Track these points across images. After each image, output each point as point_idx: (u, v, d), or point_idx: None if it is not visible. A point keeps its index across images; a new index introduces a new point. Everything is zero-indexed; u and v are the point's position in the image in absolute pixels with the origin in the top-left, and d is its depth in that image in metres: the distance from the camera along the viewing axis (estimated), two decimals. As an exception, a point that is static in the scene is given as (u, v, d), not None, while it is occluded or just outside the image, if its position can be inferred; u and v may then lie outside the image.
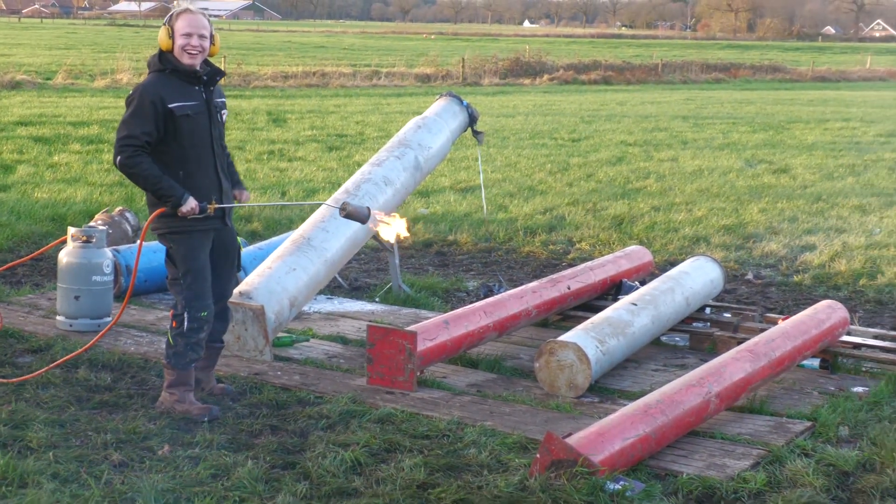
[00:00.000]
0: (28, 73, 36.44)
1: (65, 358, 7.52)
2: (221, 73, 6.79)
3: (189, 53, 6.51)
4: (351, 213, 6.65)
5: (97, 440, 6.23)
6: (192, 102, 6.56)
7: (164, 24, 6.53)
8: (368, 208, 6.79)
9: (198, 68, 6.58)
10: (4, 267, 9.43)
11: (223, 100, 6.88)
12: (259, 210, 13.67)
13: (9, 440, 6.15)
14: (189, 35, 6.49)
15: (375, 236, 9.83)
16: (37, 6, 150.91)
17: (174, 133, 6.52)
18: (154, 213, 6.59)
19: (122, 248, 9.85)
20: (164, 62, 6.57)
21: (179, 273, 6.68)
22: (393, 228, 6.83)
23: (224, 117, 6.87)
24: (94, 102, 29.27)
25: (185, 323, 6.65)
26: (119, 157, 6.51)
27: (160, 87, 6.50)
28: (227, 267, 6.98)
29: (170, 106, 6.46)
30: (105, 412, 6.77)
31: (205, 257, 6.71)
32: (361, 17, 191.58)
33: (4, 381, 7.16)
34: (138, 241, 6.96)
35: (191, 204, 6.48)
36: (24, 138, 20.74)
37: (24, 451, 6.00)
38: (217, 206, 6.67)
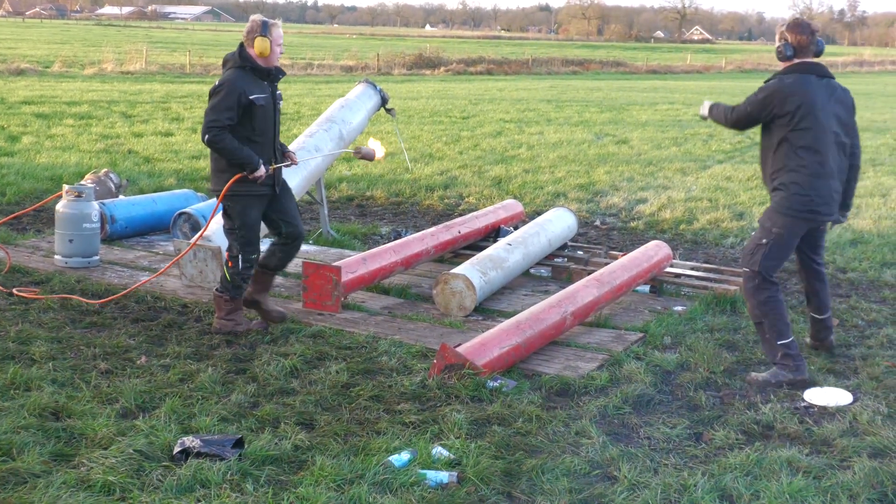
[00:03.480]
0: (30, 63, 35.28)
1: (131, 288, 7.54)
2: (284, 73, 6.77)
3: (278, 57, 6.57)
4: (363, 155, 7.26)
5: (88, 353, 6.12)
6: (264, 94, 6.50)
7: (264, 35, 6.43)
8: (373, 150, 7.33)
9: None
10: (12, 216, 9.21)
11: (279, 93, 6.80)
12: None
13: (16, 353, 6.02)
14: (281, 45, 6.56)
15: (309, 192, 9.75)
16: (37, 9, 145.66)
17: (249, 118, 6.45)
18: (232, 180, 6.42)
19: (107, 201, 9.65)
20: (244, 60, 6.49)
21: (235, 226, 6.61)
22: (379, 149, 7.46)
23: (280, 106, 6.82)
24: (84, 86, 28.46)
25: (240, 264, 6.62)
26: (207, 136, 6.34)
27: (242, 81, 6.41)
28: (293, 211, 6.86)
29: (250, 97, 6.40)
30: (94, 331, 6.64)
31: (255, 214, 6.63)
32: (298, 20, 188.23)
33: (91, 301, 7.23)
34: (215, 203, 6.88)
35: (262, 170, 6.47)
36: (28, 114, 20.13)
37: (29, 362, 5.88)
38: (275, 166, 6.66)
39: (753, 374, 6.17)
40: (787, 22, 6.20)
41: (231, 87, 6.38)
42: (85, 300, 7.26)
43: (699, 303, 7.87)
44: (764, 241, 6.10)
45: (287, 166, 6.98)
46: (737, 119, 6.32)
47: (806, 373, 6.09)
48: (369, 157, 7.25)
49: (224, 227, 6.76)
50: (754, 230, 6.35)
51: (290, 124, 20.51)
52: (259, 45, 6.45)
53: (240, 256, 6.63)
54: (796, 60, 6.15)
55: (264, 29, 6.47)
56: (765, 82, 6.25)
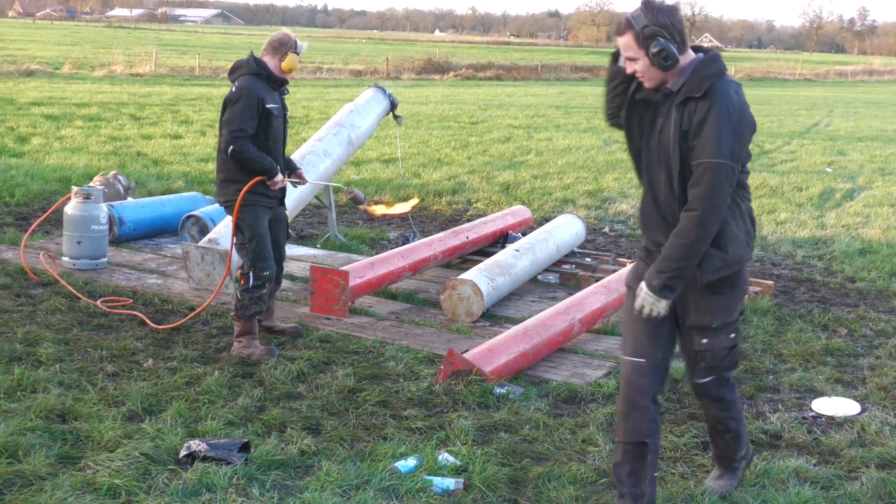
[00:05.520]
0: (41, 64, 35.39)
1: (200, 308, 7.19)
2: (287, 88, 6.74)
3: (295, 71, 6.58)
4: (354, 197, 7.02)
5: (94, 355, 6.13)
6: (277, 105, 6.42)
7: (296, 52, 6.45)
8: (364, 196, 7.04)
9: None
10: (34, 227, 8.97)
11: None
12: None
13: (23, 355, 6.02)
14: (301, 61, 6.60)
15: (317, 196, 9.76)
16: (48, 10, 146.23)
17: (265, 127, 6.33)
18: (246, 187, 6.25)
19: (115, 203, 9.66)
20: (261, 68, 6.38)
21: (246, 239, 6.38)
22: (397, 209, 7.46)
23: (287, 117, 6.73)
24: (94, 88, 28.53)
25: (251, 280, 6.34)
26: (232, 147, 6.17)
27: (258, 88, 6.29)
28: (283, 237, 6.74)
29: (267, 106, 6.31)
30: (101, 333, 6.65)
31: (266, 226, 6.43)
32: (308, 24, 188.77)
33: (159, 327, 6.78)
34: (223, 206, 6.63)
35: (280, 177, 6.39)
36: (37, 116, 20.18)
37: (36, 364, 5.88)
38: (289, 179, 6.68)
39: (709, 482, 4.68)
40: (645, 11, 4.02)
41: (250, 94, 6.22)
42: (152, 323, 6.91)
43: (707, 311, 7.83)
44: (733, 335, 4.24)
45: (297, 184, 6.99)
46: (722, 204, 3.87)
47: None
48: (358, 201, 7.08)
49: (235, 242, 6.51)
50: (706, 330, 4.19)
51: (299, 128, 20.52)
52: (290, 62, 6.42)
53: (251, 273, 6.34)
54: (692, 55, 4.01)
55: (297, 47, 6.48)
56: (703, 96, 3.84)
